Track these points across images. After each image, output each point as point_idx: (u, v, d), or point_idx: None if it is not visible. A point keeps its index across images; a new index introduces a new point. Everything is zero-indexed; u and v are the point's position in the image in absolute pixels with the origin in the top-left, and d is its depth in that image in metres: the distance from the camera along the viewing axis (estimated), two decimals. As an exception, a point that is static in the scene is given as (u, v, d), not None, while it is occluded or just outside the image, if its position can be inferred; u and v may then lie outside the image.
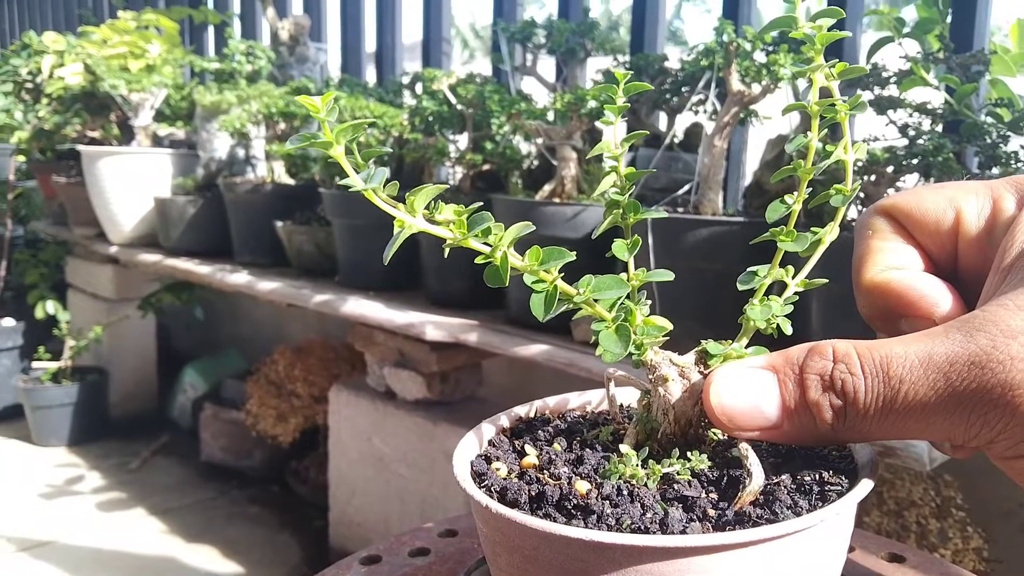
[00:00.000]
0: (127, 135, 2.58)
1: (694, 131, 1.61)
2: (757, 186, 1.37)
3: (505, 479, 0.45)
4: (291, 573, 1.95)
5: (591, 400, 0.57)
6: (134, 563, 1.98)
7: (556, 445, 0.49)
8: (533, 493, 0.43)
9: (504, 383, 2.06)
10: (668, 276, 0.48)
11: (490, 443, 0.52)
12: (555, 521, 0.40)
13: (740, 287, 0.47)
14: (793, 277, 0.48)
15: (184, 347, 3.31)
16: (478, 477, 0.46)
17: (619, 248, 0.49)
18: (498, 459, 0.49)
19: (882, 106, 1.24)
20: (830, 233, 0.47)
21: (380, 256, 1.78)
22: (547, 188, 1.45)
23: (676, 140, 1.56)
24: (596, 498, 0.41)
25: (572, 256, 0.44)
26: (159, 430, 2.82)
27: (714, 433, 0.47)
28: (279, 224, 1.95)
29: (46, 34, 2.82)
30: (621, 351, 0.45)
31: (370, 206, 1.62)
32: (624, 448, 0.46)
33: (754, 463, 0.41)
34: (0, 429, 2.87)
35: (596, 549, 0.37)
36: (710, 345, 0.45)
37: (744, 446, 0.42)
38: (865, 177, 1.14)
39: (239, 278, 1.96)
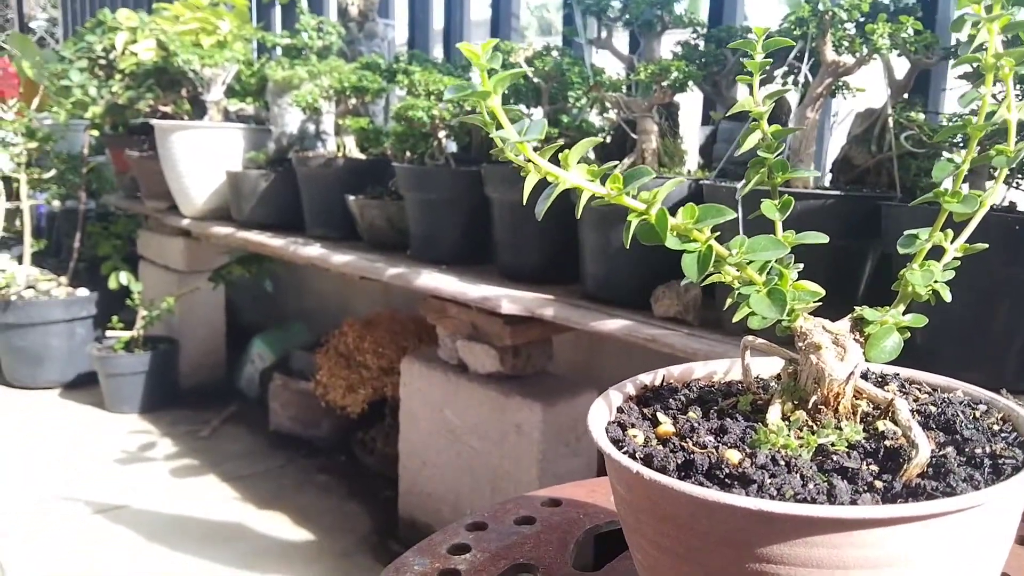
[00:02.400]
0: (198, 110, 2.62)
1: (778, 104, 1.57)
2: (846, 160, 1.34)
3: (645, 446, 0.45)
4: (361, 541, 1.99)
5: (716, 370, 0.57)
6: (207, 528, 2.03)
7: (691, 414, 0.49)
8: (680, 461, 0.42)
9: (571, 359, 2.05)
10: (823, 238, 0.47)
11: (619, 410, 0.51)
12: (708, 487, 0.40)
13: (900, 251, 0.45)
14: (952, 242, 0.46)
15: (250, 320, 3.36)
16: (616, 443, 0.45)
17: (768, 208, 0.47)
18: (632, 426, 0.48)
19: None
20: (993, 195, 0.45)
21: (452, 230, 1.79)
22: (627, 161, 1.43)
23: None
24: (752, 467, 0.41)
25: (733, 214, 0.43)
26: (227, 399, 2.88)
27: (867, 403, 0.46)
28: (351, 198, 1.96)
29: (120, 11, 2.87)
30: (776, 314, 0.44)
31: (443, 180, 1.64)
32: (772, 417, 0.45)
33: (919, 434, 0.40)
34: (75, 395, 2.96)
35: (764, 520, 0.36)
36: (866, 311, 0.44)
37: (906, 416, 0.41)
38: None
39: (312, 251, 1.99)
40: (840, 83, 1.27)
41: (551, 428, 1.61)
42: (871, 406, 0.46)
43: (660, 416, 0.49)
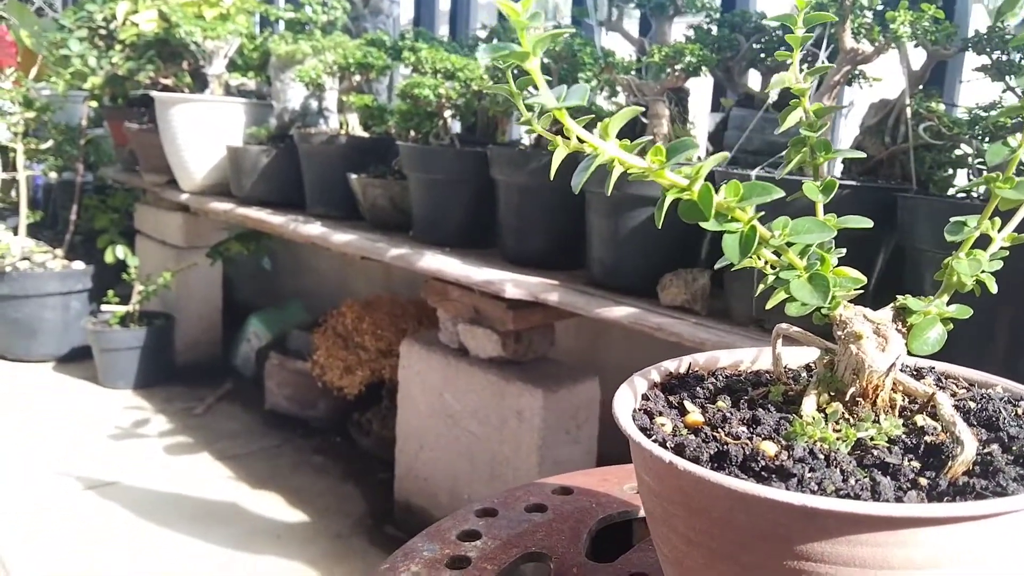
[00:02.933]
0: (199, 83, 2.58)
1: (790, 92, 1.55)
2: (859, 151, 1.32)
3: (674, 435, 0.43)
4: (356, 524, 1.97)
5: (743, 359, 0.55)
6: (200, 507, 2.02)
7: (720, 403, 0.47)
8: (713, 452, 0.41)
9: (572, 346, 2.04)
10: (866, 223, 0.45)
11: (644, 397, 0.49)
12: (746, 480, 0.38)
13: (948, 238, 0.43)
14: (999, 231, 0.44)
15: (246, 297, 3.34)
16: (643, 432, 0.43)
17: (810, 189, 0.45)
18: (660, 414, 0.46)
19: (1001, 71, 1.18)
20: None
21: (456, 212, 1.75)
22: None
23: (771, 101, 1.51)
24: (789, 461, 0.39)
25: (780, 193, 0.41)
26: (223, 377, 2.86)
27: (903, 396, 0.44)
28: (353, 177, 1.94)
29: (121, -20, 2.82)
30: (819, 301, 0.42)
31: (448, 161, 1.60)
32: (807, 409, 0.43)
33: (963, 430, 0.38)
34: (69, 369, 2.93)
35: (807, 515, 0.34)
36: (910, 301, 0.42)
37: (949, 411, 0.39)
38: (987, 141, 1.09)
39: (313, 229, 1.96)
40: (857, 71, 1.25)
41: (552, 415, 1.59)
42: (908, 400, 0.44)
43: (688, 405, 0.47)
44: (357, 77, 2.06)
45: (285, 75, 2.21)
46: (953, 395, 0.47)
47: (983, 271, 0.42)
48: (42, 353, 3.00)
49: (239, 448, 2.35)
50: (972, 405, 0.44)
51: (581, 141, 0.44)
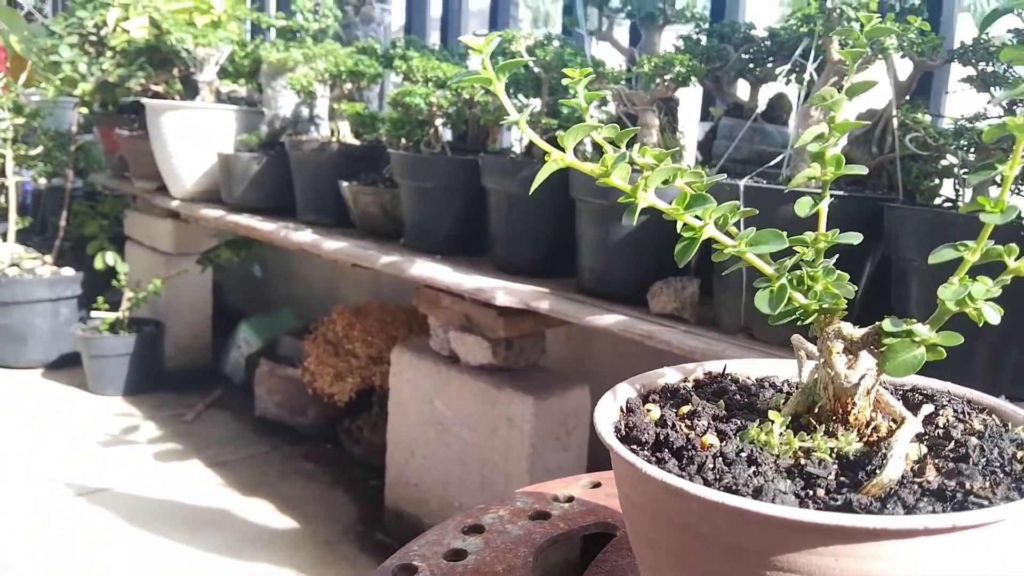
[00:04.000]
0: (190, 90, 2.58)
1: (778, 102, 1.57)
2: (846, 160, 1.33)
3: (633, 430, 0.45)
4: (346, 530, 1.97)
5: (778, 372, 0.55)
6: (190, 513, 2.01)
7: (721, 402, 0.48)
8: (660, 437, 0.43)
9: (562, 354, 2.04)
10: (856, 237, 0.46)
11: (677, 391, 0.51)
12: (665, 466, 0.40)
13: (931, 261, 0.44)
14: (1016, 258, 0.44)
15: (237, 304, 3.34)
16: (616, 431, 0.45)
17: (801, 205, 0.46)
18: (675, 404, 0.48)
19: (986, 82, 1.19)
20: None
21: (447, 219, 1.76)
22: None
23: (759, 111, 1.52)
24: (713, 454, 0.41)
25: (784, 243, 0.42)
26: (212, 384, 2.85)
27: (881, 416, 0.45)
28: (344, 184, 1.94)
29: (112, -14, 2.82)
30: (769, 310, 0.43)
31: (439, 169, 1.61)
32: (773, 415, 0.44)
33: (896, 456, 0.39)
34: (58, 376, 2.92)
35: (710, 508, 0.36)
36: (887, 323, 0.43)
37: (901, 434, 0.40)
38: (972, 152, 1.10)
39: (304, 236, 1.96)
40: (845, 82, 1.26)
41: (542, 421, 1.60)
42: (892, 420, 0.45)
43: (655, 406, 0.48)
44: (348, 85, 2.06)
45: (276, 82, 2.22)
46: (965, 428, 0.46)
47: (975, 300, 0.42)
48: (31, 360, 2.99)
49: (229, 455, 2.35)
50: (973, 441, 0.44)
51: (546, 152, 0.45)
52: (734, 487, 0.39)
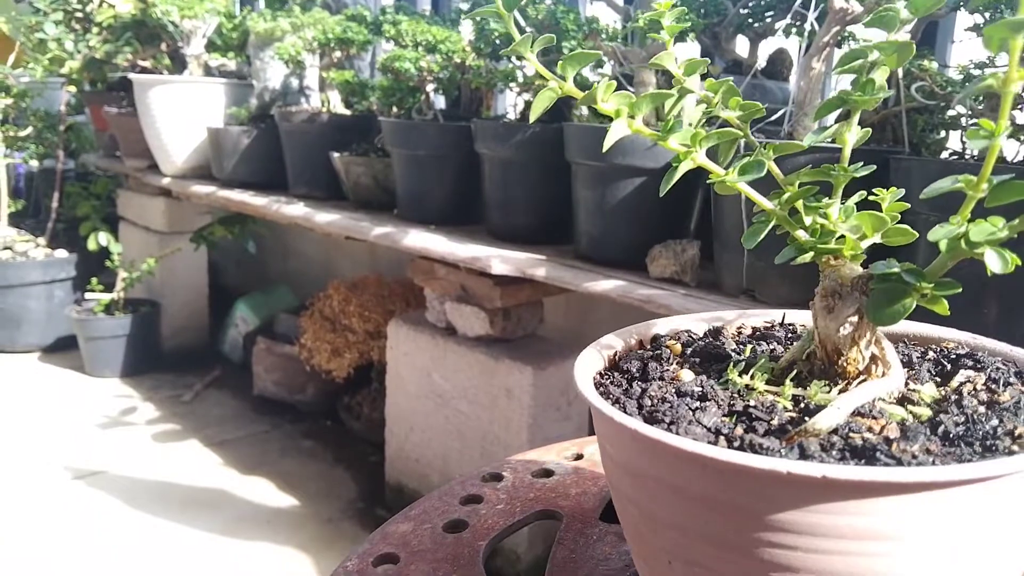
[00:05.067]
0: (178, 65, 2.53)
1: (778, 57, 1.52)
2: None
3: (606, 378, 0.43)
4: (347, 507, 1.95)
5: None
6: (190, 493, 1.99)
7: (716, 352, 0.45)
8: (634, 369, 0.42)
9: (561, 323, 2.01)
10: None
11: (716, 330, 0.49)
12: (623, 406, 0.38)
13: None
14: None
15: (234, 283, 3.30)
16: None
17: (761, 154, 0.42)
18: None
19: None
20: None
21: (441, 188, 1.71)
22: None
23: (759, 67, 1.47)
24: (675, 391, 0.40)
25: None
26: (210, 363, 2.82)
27: (882, 370, 0.41)
28: (336, 155, 1.90)
29: (96, -40, 2.76)
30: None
31: (431, 136, 1.55)
32: (762, 362, 0.41)
33: (835, 407, 0.36)
34: (54, 359, 2.90)
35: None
36: (877, 265, 0.39)
37: (863, 389, 0.37)
38: (981, 101, 1.06)
39: (295, 210, 1.92)
40: (847, 32, 1.21)
41: (542, 392, 1.57)
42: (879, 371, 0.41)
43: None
44: (338, 53, 2.01)
45: (265, 53, 2.16)
46: (983, 395, 0.42)
47: (989, 240, 0.37)
48: (27, 343, 2.96)
49: (228, 434, 2.32)
50: (983, 397, 0.40)
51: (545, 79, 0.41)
52: (659, 417, 0.37)
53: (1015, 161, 1.07)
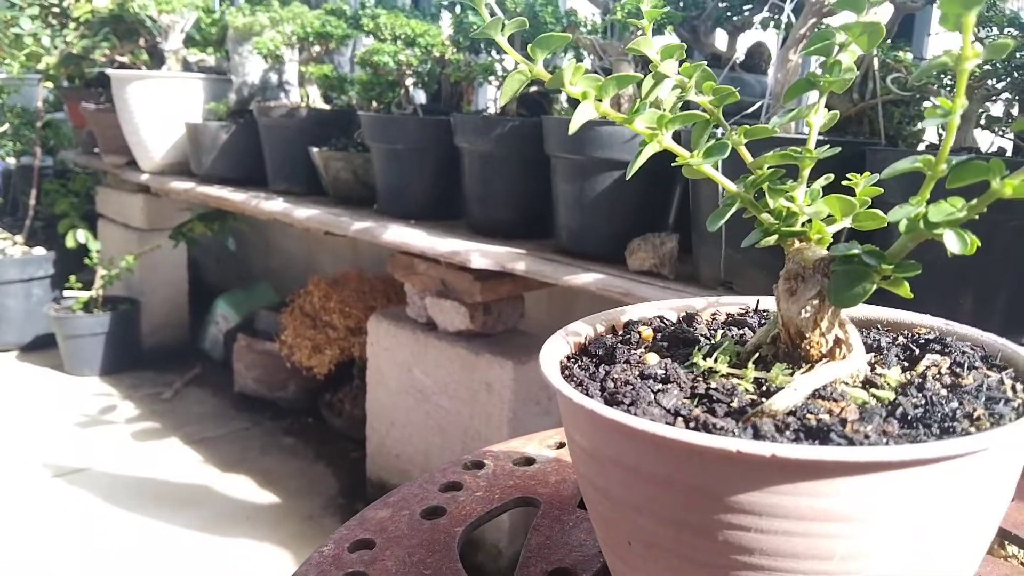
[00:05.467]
0: (156, 61, 2.51)
1: (757, 51, 1.52)
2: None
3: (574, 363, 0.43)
4: (328, 504, 1.94)
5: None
6: (170, 491, 1.98)
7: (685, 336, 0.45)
8: (601, 353, 0.43)
9: (543, 319, 2.01)
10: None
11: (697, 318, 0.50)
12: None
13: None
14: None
15: (214, 280, 3.28)
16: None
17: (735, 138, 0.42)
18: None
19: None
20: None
21: (420, 182, 1.71)
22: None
23: (738, 60, 1.48)
24: (639, 374, 0.40)
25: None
26: (191, 361, 2.80)
27: (846, 353, 0.41)
28: (315, 150, 1.89)
29: (72, -45, 2.73)
30: (711, 227, 0.40)
31: (411, 130, 1.55)
32: (727, 346, 0.41)
33: (791, 388, 0.36)
34: (33, 358, 2.87)
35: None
36: (839, 247, 0.39)
37: (819, 372, 0.37)
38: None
39: (274, 205, 1.91)
40: (824, 24, 1.22)
41: (522, 386, 1.57)
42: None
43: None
44: (317, 48, 2.00)
45: (243, 48, 2.15)
46: (945, 378, 0.42)
47: (948, 220, 0.37)
48: (5, 342, 2.93)
49: (208, 432, 2.31)
50: (947, 381, 0.40)
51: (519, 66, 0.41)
52: (619, 399, 0.37)
53: (989, 152, 1.08)
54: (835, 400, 0.36)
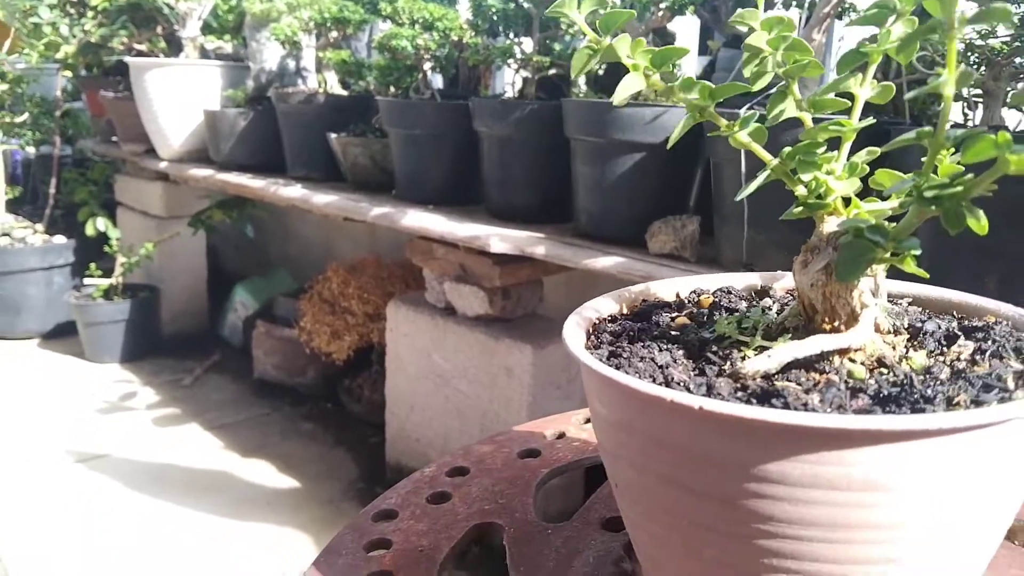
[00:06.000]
0: (174, 48, 2.52)
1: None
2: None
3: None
4: (347, 488, 1.95)
5: None
6: (191, 477, 1.99)
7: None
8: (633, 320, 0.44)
9: (562, 303, 2.00)
10: (871, 121, 0.41)
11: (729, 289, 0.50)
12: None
13: (884, 149, 0.39)
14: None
15: (233, 267, 3.30)
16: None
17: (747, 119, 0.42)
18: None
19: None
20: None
21: (438, 167, 1.71)
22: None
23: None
24: (663, 335, 0.42)
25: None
26: (210, 348, 2.82)
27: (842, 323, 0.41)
28: (333, 136, 1.89)
29: (90, -57, 2.74)
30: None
31: (429, 115, 1.55)
32: (754, 314, 0.41)
33: (766, 355, 0.36)
34: (54, 345, 2.90)
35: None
36: (849, 221, 0.39)
37: (800, 343, 0.37)
38: (983, 70, 1.04)
39: (293, 192, 1.91)
40: (847, 3, 1.20)
41: (541, 371, 1.56)
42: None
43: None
44: (334, 33, 2.00)
45: (261, 35, 2.15)
46: (959, 364, 0.41)
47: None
48: (26, 330, 2.96)
49: (228, 418, 2.32)
50: (959, 367, 0.39)
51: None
52: (619, 354, 0.40)
53: (1018, 131, 1.07)
54: (820, 372, 0.36)
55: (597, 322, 0.46)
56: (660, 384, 0.36)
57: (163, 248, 2.80)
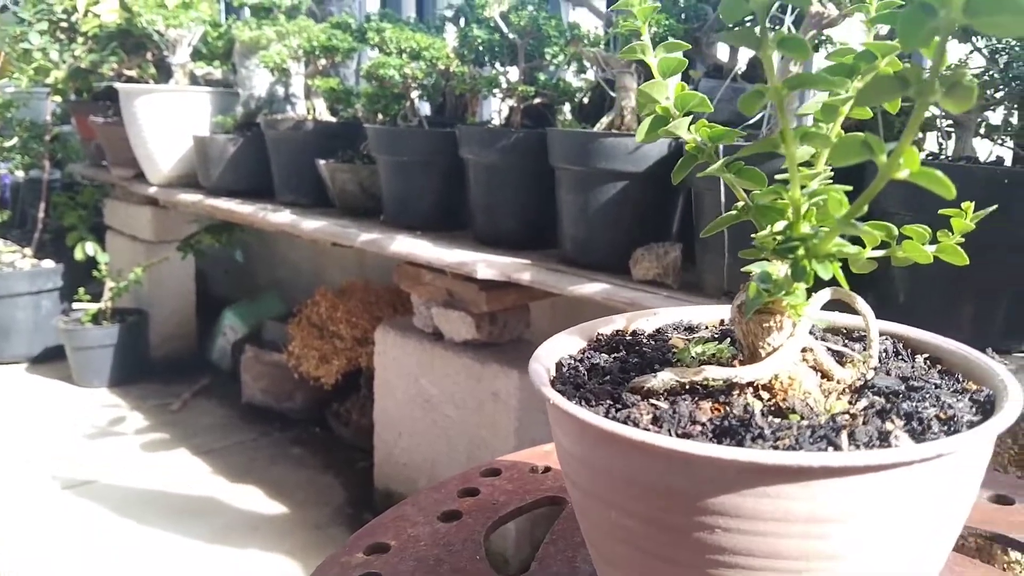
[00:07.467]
0: (164, 74, 2.54)
1: (758, 62, 1.53)
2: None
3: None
4: (336, 513, 1.95)
5: None
6: (178, 502, 1.99)
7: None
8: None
9: (548, 328, 2.01)
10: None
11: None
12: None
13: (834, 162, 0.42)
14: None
15: (222, 291, 3.30)
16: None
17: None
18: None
19: (967, 32, 1.16)
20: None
21: (426, 194, 1.73)
22: (605, 120, 1.38)
23: (739, 72, 1.49)
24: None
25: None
26: (199, 372, 2.82)
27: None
28: (321, 163, 1.91)
29: (80, -30, 2.76)
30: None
31: (416, 142, 1.58)
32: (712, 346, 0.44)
33: (659, 376, 0.41)
34: (42, 370, 2.89)
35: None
36: (757, 265, 0.41)
37: (695, 370, 0.40)
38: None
39: (282, 217, 1.93)
40: (823, 36, 1.23)
41: (529, 396, 1.58)
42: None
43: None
44: (323, 61, 2.02)
45: (250, 62, 2.17)
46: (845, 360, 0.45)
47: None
48: (14, 354, 2.95)
49: (216, 443, 2.32)
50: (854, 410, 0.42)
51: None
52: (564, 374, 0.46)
53: (988, 162, 1.09)
54: (717, 402, 0.40)
55: (564, 357, 0.48)
56: (605, 416, 0.39)
57: (152, 272, 2.81)
